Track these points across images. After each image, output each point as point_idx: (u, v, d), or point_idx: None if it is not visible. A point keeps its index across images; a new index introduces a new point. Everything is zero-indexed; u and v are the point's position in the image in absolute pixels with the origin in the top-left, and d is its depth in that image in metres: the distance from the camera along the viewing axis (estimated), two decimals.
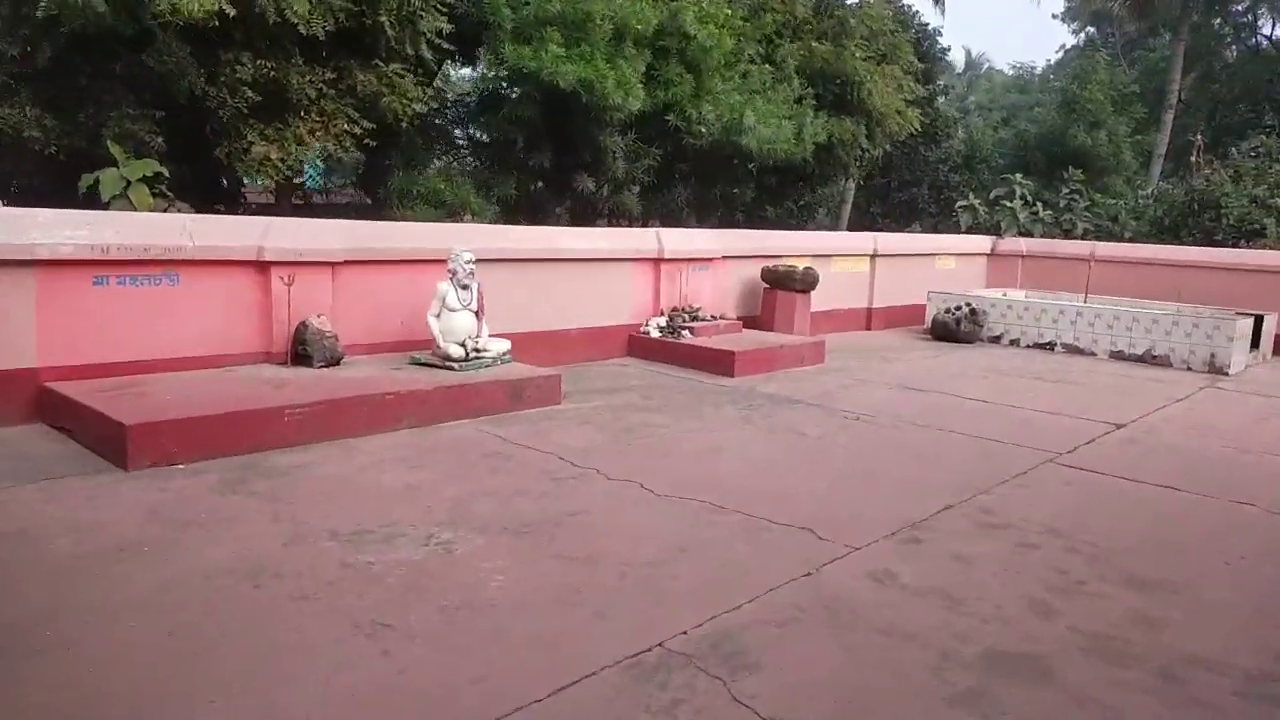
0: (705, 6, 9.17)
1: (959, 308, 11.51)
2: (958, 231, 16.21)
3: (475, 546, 3.73)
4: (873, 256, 12.27)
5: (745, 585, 3.50)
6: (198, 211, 6.48)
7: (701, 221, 13.29)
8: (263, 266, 6.04)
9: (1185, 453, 6.11)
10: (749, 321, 10.23)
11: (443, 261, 6.68)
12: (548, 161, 9.24)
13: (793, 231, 11.14)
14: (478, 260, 7.40)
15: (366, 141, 7.74)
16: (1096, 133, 20.42)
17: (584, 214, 10.11)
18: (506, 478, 4.75)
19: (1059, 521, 4.53)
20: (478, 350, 6.55)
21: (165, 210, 6.83)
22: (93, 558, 3.48)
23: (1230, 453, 6.18)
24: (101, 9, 6.44)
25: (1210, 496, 5.10)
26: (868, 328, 12.39)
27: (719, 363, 8.33)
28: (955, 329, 11.35)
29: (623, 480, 4.81)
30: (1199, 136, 18.57)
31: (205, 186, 8.34)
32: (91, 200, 6.97)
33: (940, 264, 13.57)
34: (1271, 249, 13.53)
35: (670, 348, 8.71)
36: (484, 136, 8.74)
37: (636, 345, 8.96)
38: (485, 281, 7.46)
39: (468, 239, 7.37)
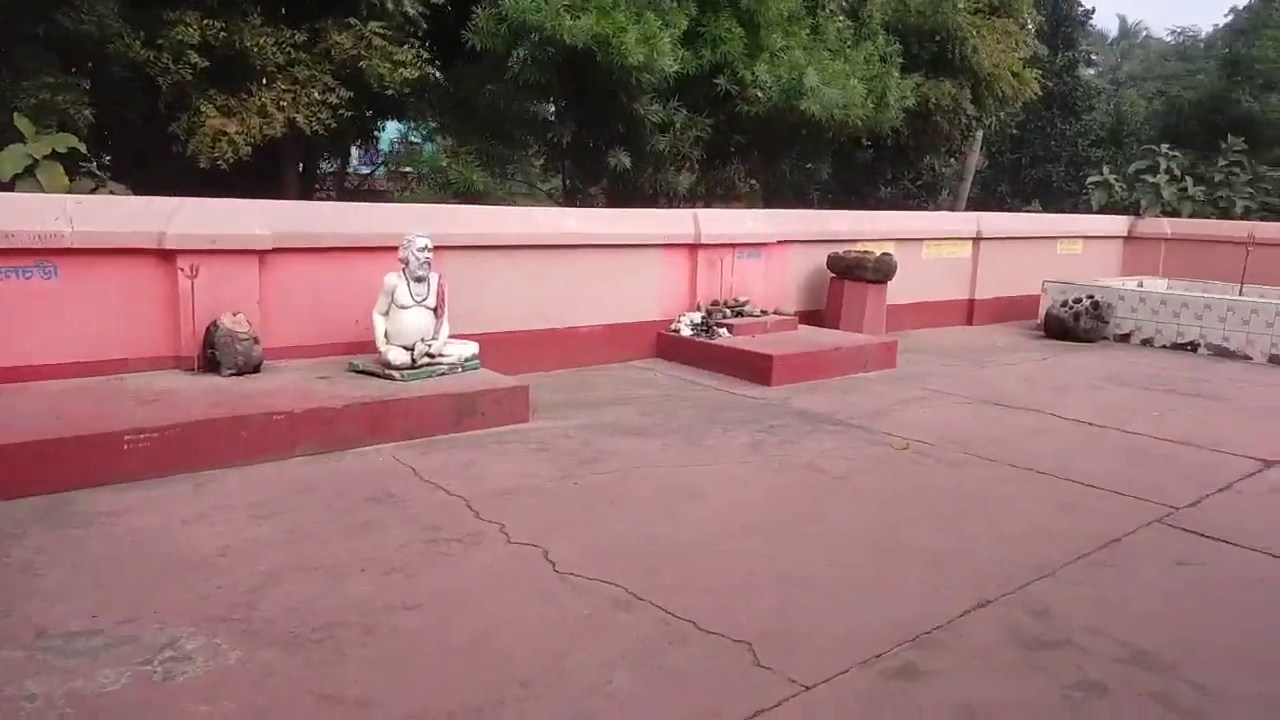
0: None
1: (1079, 300, 9.62)
2: (1090, 212, 14.03)
3: (213, 670, 2.54)
4: (976, 240, 10.48)
5: None
6: (149, 194, 5.58)
7: (771, 203, 11.79)
8: (166, 255, 5.09)
9: None
10: (813, 317, 8.74)
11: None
12: (569, 135, 7.99)
13: (871, 211, 9.48)
14: (465, 247, 6.30)
15: (343, 112, 6.73)
16: (1267, 97, 17.51)
17: (622, 195, 8.82)
18: (370, 538, 3.58)
19: (1152, 638, 2.99)
20: (431, 355, 5.42)
21: (93, 192, 6.03)
22: None
23: None
24: None
25: None
26: (969, 323, 10.62)
27: (754, 368, 6.93)
28: (1073, 325, 9.49)
29: (526, 544, 3.56)
30: None
31: (165, 166, 7.54)
32: None
33: (1063, 248, 11.60)
34: None
35: (702, 349, 7.36)
36: (498, 105, 7.56)
37: (666, 345, 7.65)
38: (471, 271, 6.35)
39: (443, 221, 6.26)
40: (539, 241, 6.79)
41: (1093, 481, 4.65)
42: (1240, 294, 9.92)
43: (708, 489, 4.36)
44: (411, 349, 5.36)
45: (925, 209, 17.85)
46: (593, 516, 3.92)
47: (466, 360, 5.61)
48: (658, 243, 7.52)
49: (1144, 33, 53.18)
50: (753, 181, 10.45)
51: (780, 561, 3.54)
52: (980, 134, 17.65)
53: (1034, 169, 23.89)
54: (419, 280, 5.48)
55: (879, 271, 8.41)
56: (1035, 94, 11.86)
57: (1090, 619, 3.11)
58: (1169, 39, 47.09)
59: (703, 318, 7.69)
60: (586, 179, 8.92)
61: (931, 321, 10.16)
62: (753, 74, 8.16)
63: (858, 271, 8.44)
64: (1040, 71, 13.24)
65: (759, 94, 8.20)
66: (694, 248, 7.77)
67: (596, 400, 6.13)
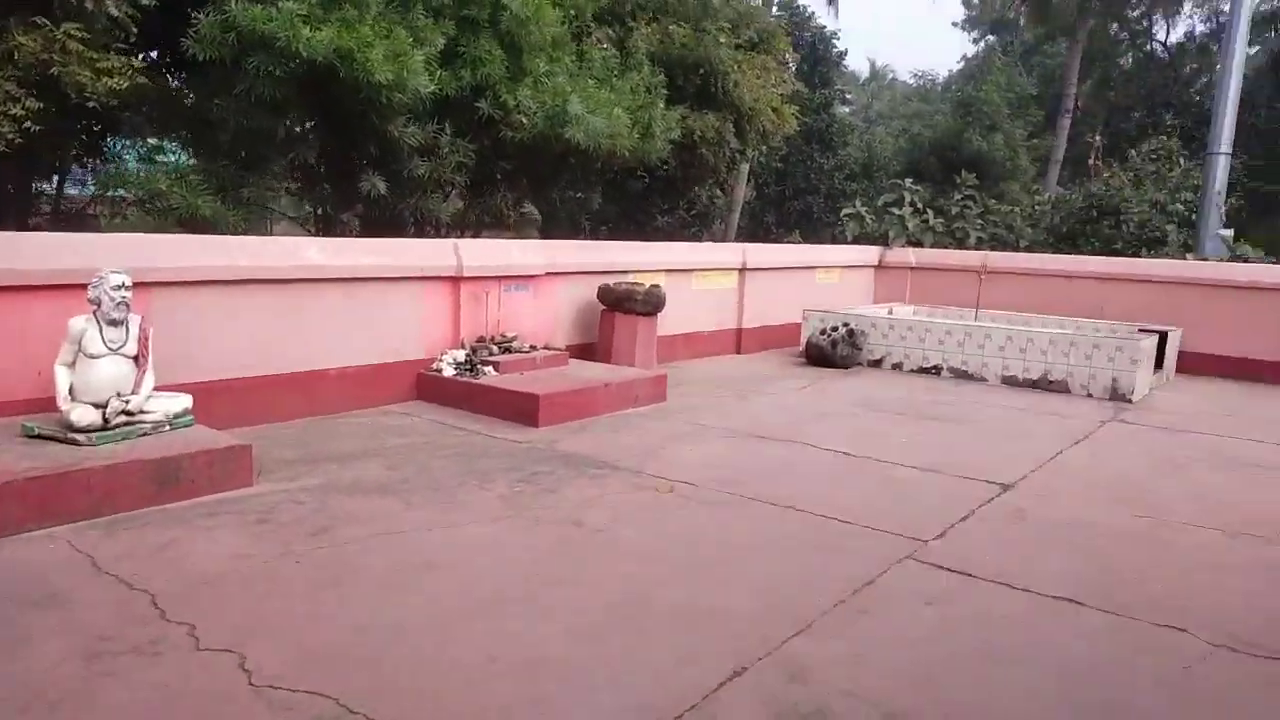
0: None
1: (835, 328, 10.02)
2: (845, 243, 14.85)
3: None
4: (742, 270, 10.71)
5: None
6: None
7: (550, 233, 11.55)
8: None
9: (1089, 531, 4.58)
10: (586, 351, 8.52)
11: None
12: (313, 157, 7.32)
13: (643, 242, 9.45)
14: (177, 283, 5.52)
15: (30, 125, 5.74)
16: (993, 136, 19.44)
17: (380, 223, 8.22)
18: (14, 660, 2.88)
19: (904, 695, 2.88)
20: (129, 413, 4.64)
21: None
22: None
23: (1144, 527, 4.69)
24: None
25: (1125, 616, 3.54)
26: (738, 351, 10.82)
27: (520, 408, 6.57)
28: (831, 353, 9.85)
29: (220, 650, 2.98)
30: (1098, 138, 17.70)
31: None
32: None
33: (821, 278, 12.13)
34: (1174, 257, 12.48)
35: (466, 389, 6.92)
36: (230, 123, 6.76)
37: (428, 387, 7.14)
38: (186, 311, 5.59)
39: (147, 254, 5.46)
40: (274, 275, 6.10)
41: (848, 517, 4.64)
42: (975, 319, 10.72)
43: (453, 557, 3.94)
44: (104, 406, 4.57)
45: (700, 238, 18.31)
46: (311, 605, 3.39)
47: (176, 417, 4.86)
48: (416, 275, 7.01)
49: (891, 75, 58.33)
50: (524, 210, 10.16)
51: (527, 641, 3.18)
52: (746, 166, 18.35)
53: (796, 201, 25.28)
54: (114, 324, 4.69)
55: (649, 303, 8.32)
56: (794, 129, 12.39)
57: (846, 679, 2.97)
58: (912, 81, 51.88)
59: (467, 355, 7.25)
60: (340, 206, 8.24)
61: (703, 351, 10.25)
62: (515, 99, 7.85)
63: (628, 304, 8.31)
64: (799, 108, 13.91)
65: (523, 120, 7.91)
66: (456, 280, 7.32)
67: (340, 454, 5.53)
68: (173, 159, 7.26)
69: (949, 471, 5.64)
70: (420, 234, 8.51)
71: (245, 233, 7.01)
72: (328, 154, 7.66)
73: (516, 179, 9.07)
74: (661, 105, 9.20)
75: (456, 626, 3.26)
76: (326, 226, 8.44)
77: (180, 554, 3.80)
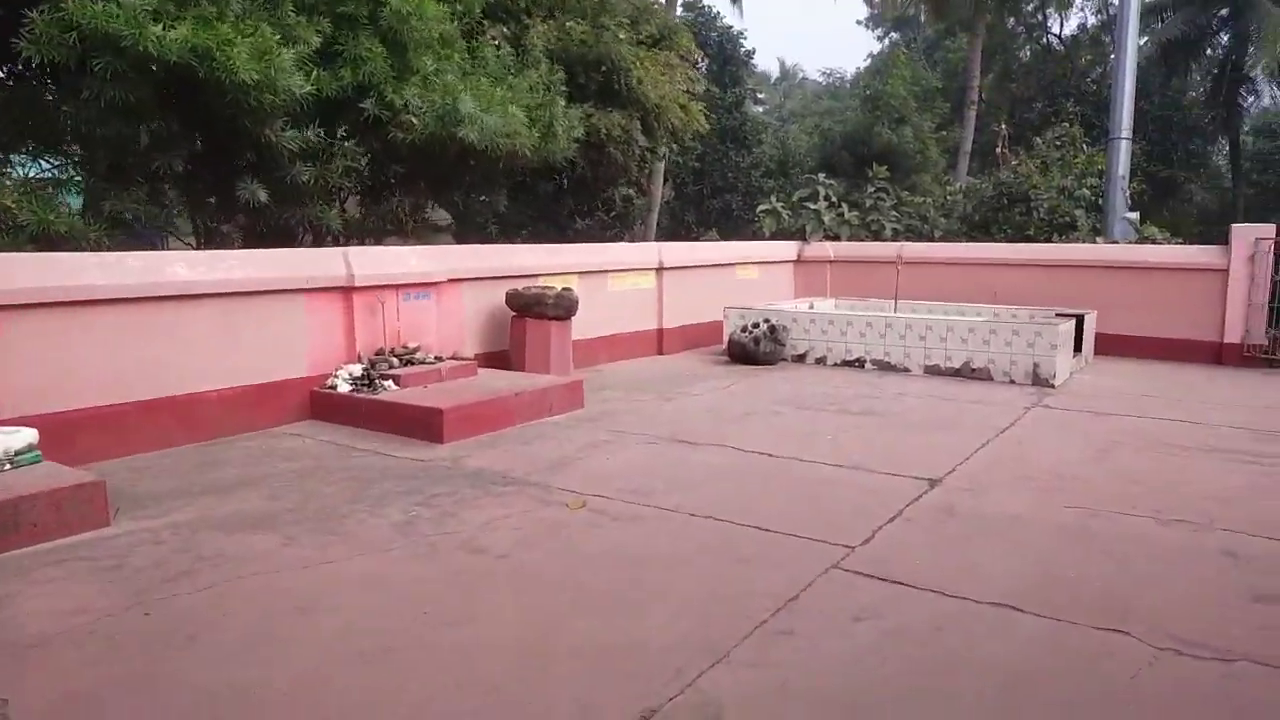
0: None
1: (757, 325, 9.79)
2: (763, 238, 14.69)
3: None
4: (659, 270, 10.40)
5: None
6: None
7: (464, 239, 11.08)
8: None
9: (1021, 527, 4.37)
10: (497, 359, 8.10)
11: None
12: (181, 164, 6.73)
13: (553, 245, 9.04)
14: (18, 306, 4.93)
15: None
16: (902, 129, 19.57)
17: (264, 234, 7.66)
18: None
19: None
20: None
21: None
22: None
23: (1077, 518, 4.49)
24: None
25: (1065, 621, 3.30)
26: (660, 352, 10.51)
27: (423, 424, 6.13)
28: (754, 349, 9.61)
29: None
30: (1003, 127, 17.94)
31: None
32: None
33: (742, 274, 11.91)
34: (1084, 242, 12.62)
35: (364, 406, 6.43)
36: (87, 130, 6.14)
37: (322, 405, 6.64)
38: (31, 336, 5.01)
39: None
40: (136, 294, 5.54)
41: (771, 525, 4.34)
42: (895, 310, 10.62)
43: (333, 599, 3.50)
44: None
45: (622, 239, 17.99)
46: (154, 667, 2.92)
47: (17, 454, 4.31)
48: (301, 287, 6.50)
49: (801, 75, 59.09)
50: (425, 215, 9.66)
51: (409, 696, 2.77)
52: (661, 165, 18.10)
53: (715, 199, 25.19)
54: None
55: (560, 307, 7.94)
56: (704, 127, 12.13)
57: (768, 716, 2.64)
58: (822, 80, 52.57)
59: (364, 370, 6.77)
60: (218, 217, 7.65)
61: (624, 354, 9.91)
62: (403, 98, 7.38)
63: (538, 308, 7.91)
64: (709, 106, 13.69)
65: (413, 120, 7.44)
66: (348, 291, 6.82)
67: (217, 484, 5.01)
68: (20, 172, 6.56)
69: (876, 468, 5.40)
70: (317, 245, 7.97)
71: (124, 249, 6.39)
72: (201, 161, 7.07)
73: (412, 183, 8.58)
74: (562, 103, 8.81)
75: (329, 685, 2.83)
76: (209, 240, 7.83)
77: (8, 614, 3.28)
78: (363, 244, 8.48)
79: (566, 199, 12.08)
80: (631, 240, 19.32)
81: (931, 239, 14.59)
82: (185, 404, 5.83)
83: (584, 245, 9.68)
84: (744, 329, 9.82)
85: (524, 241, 12.13)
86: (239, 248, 7.55)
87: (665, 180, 23.88)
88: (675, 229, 26.15)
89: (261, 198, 7.10)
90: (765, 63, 60.22)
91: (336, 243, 8.16)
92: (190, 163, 6.92)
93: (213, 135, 6.91)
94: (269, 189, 7.21)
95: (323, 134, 7.33)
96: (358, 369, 6.76)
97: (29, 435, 4.44)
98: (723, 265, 11.53)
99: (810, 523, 4.37)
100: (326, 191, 7.68)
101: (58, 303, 5.16)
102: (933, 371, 9.05)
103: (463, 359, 7.53)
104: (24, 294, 4.99)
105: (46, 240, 6.28)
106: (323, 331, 6.70)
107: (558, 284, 8.49)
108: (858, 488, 5.03)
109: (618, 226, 25.15)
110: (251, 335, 6.22)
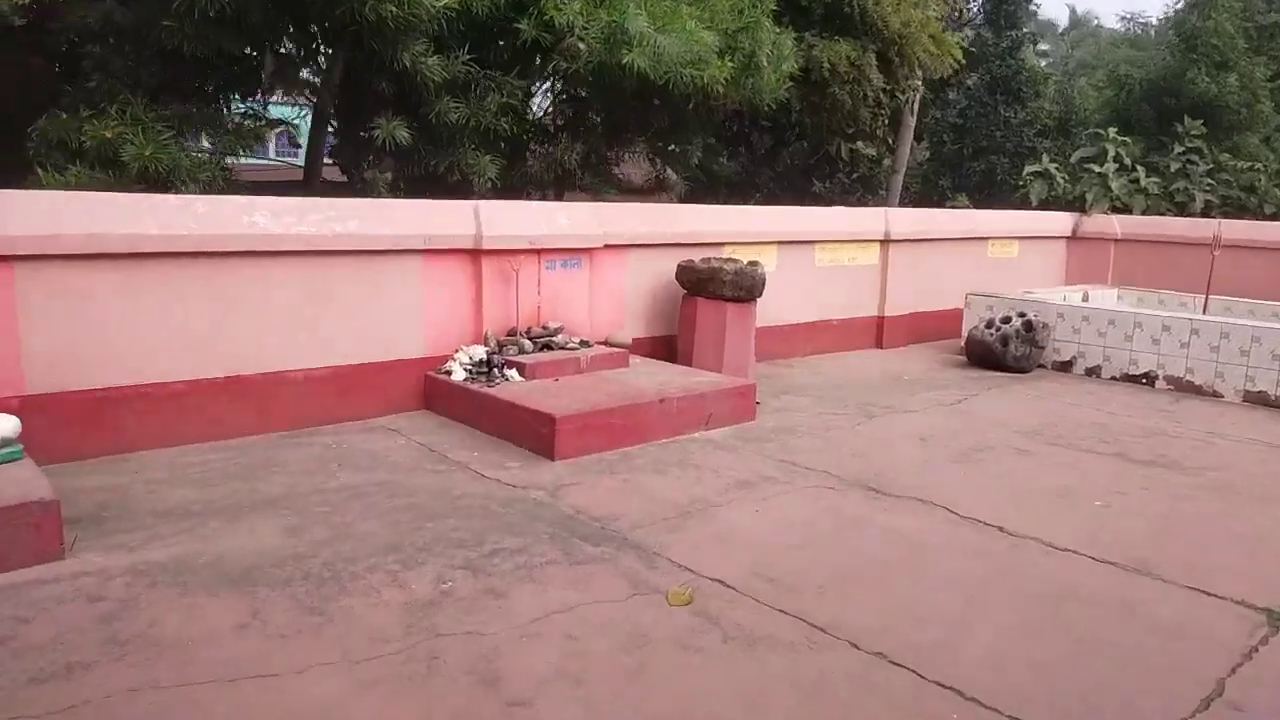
0: None
1: (1008, 319, 7.63)
2: (1029, 208, 12.11)
3: None
4: (885, 242, 8.44)
5: None
6: None
7: (650, 199, 9.64)
8: None
9: None
10: (662, 348, 6.63)
11: None
12: (300, 89, 5.76)
13: (739, 206, 7.38)
14: (65, 256, 4.08)
15: None
16: (1224, 76, 15.67)
17: (416, 185, 6.60)
18: None
19: None
20: None
21: None
22: None
23: None
24: None
25: None
26: (877, 345, 8.59)
27: (533, 433, 4.80)
28: (1000, 351, 7.49)
29: None
30: None
31: None
32: None
33: (995, 251, 9.63)
34: None
35: (475, 401, 5.20)
36: (185, 50, 5.27)
37: (435, 393, 5.50)
38: (78, 292, 4.16)
39: (3, 216, 4.02)
40: (202, 247, 4.57)
41: (981, 689, 2.57)
42: (1205, 310, 8.01)
43: None
44: None
45: (865, 206, 15.89)
46: None
47: None
48: (416, 247, 5.33)
49: (1095, 21, 52.05)
50: (617, 171, 8.27)
51: None
52: (911, 120, 15.68)
53: (976, 161, 22.06)
54: None
55: (739, 285, 6.30)
56: (957, 60, 9.80)
57: None
58: (1120, 27, 45.87)
59: (488, 354, 5.53)
60: (356, 159, 6.66)
61: (829, 346, 8.12)
62: (565, 17, 5.97)
63: (713, 286, 6.32)
64: (977, 52, 11.25)
65: (579, 45, 6.02)
66: (476, 254, 5.60)
67: (244, 501, 3.94)
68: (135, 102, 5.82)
69: (1173, 575, 3.41)
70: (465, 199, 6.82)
71: (223, 193, 5.52)
72: (338, 91, 6.06)
73: (584, 125, 7.18)
74: (770, 26, 7.00)
75: None
76: (354, 188, 6.89)
77: None
78: (528, 198, 7.24)
79: (782, 153, 10.22)
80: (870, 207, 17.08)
81: (1260, 216, 11.33)
82: (261, 386, 4.85)
83: (782, 208, 7.92)
84: (989, 324, 7.69)
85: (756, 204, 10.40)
86: (381, 197, 6.52)
87: (921, 139, 21.22)
88: (927, 196, 23.35)
89: (403, 137, 6.00)
90: (1052, 9, 53.52)
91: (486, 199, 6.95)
92: (317, 91, 5.92)
93: (349, 61, 5.86)
94: (412, 128, 6.09)
95: (473, 64, 6.09)
96: (480, 351, 5.54)
97: (7, 426, 3.52)
98: (970, 239, 9.31)
99: (1058, 694, 2.55)
100: (480, 134, 6.45)
101: (96, 254, 4.27)
102: (1257, 401, 6.54)
103: (616, 345, 6.13)
104: (49, 242, 4.11)
105: (158, 180, 5.51)
106: (444, 302, 5.53)
107: (746, 255, 6.85)
108: (1142, 618, 3.09)
109: (860, 190, 22.77)
110: (351, 303, 5.14)
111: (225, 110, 6.15)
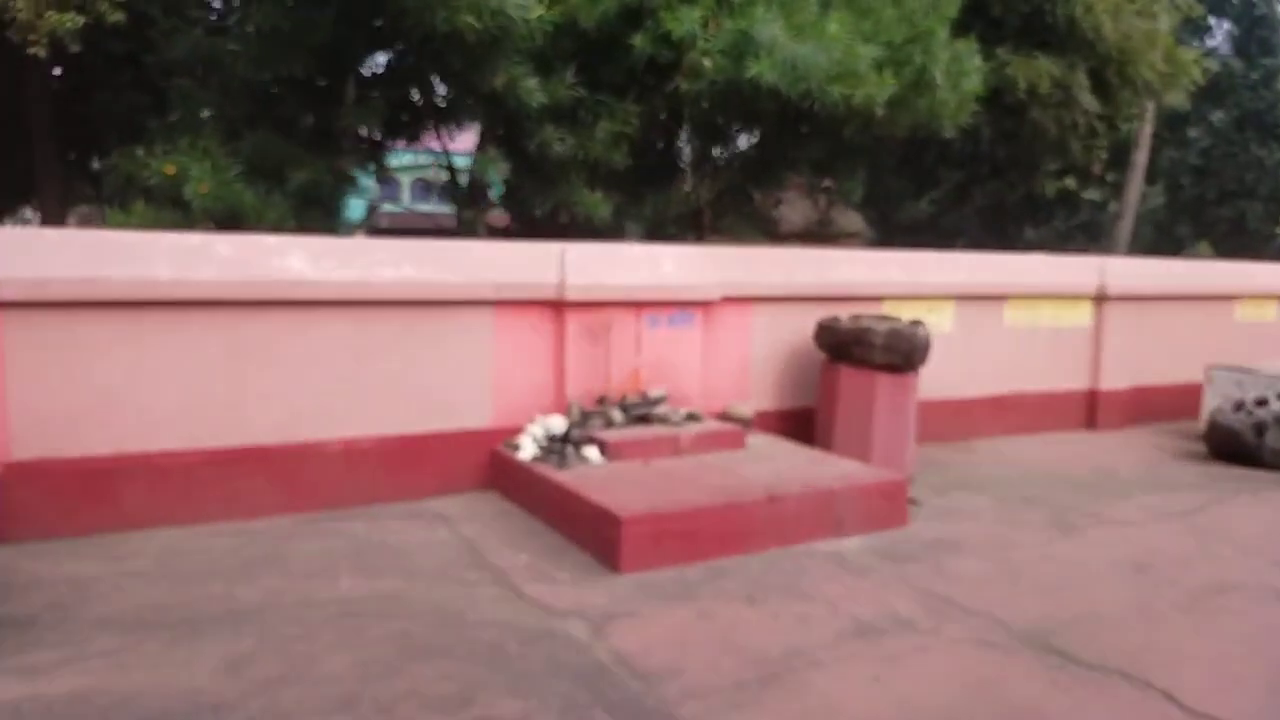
0: None
1: (1263, 401, 5.87)
2: None
3: None
4: (1099, 299, 6.82)
5: None
6: None
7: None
8: None
9: None
10: (798, 422, 5.44)
11: None
12: (379, 127, 5.10)
13: (899, 252, 6.05)
14: (57, 304, 3.55)
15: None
16: None
17: (532, 229, 5.84)
18: None
19: None
20: None
21: None
22: None
23: None
24: None
25: None
26: (1089, 426, 6.93)
27: (594, 535, 3.77)
28: (1254, 442, 5.74)
29: None
30: None
31: None
32: None
33: (1247, 313, 7.71)
34: None
35: (538, 487, 4.24)
36: (256, 75, 4.77)
37: (500, 472, 4.59)
38: (71, 343, 3.61)
39: None
40: (224, 295, 3.91)
41: None
42: None
43: None
44: None
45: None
46: None
47: None
48: (483, 297, 4.49)
49: None
50: (775, 213, 7.18)
51: None
52: (1141, 157, 13.54)
53: (1222, 206, 19.17)
54: None
55: (895, 351, 5.01)
56: (1195, 83, 7.96)
57: None
58: None
59: (567, 428, 4.57)
60: (472, 202, 5.97)
61: (1022, 426, 6.58)
62: (685, 27, 5.00)
63: (859, 351, 5.07)
64: (1227, 84, 9.29)
65: (703, 62, 5.05)
66: (559, 306, 4.68)
67: (202, 615, 3.14)
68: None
69: None
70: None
71: (289, 232, 4.94)
72: (407, 114, 5.40)
73: (713, 158, 6.16)
74: (944, 36, 5.72)
75: None
76: (468, 231, 6.22)
77: None
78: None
79: (974, 191, 8.69)
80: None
81: None
82: (289, 458, 4.12)
83: (961, 255, 6.52)
84: (1239, 405, 5.94)
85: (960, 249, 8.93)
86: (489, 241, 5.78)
87: (1154, 182, 18.68)
88: (1161, 245, 20.58)
89: (495, 173, 5.24)
90: None
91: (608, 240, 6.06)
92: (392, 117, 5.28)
93: (427, 78, 5.19)
94: (512, 159, 5.32)
95: (580, 86, 5.25)
96: (559, 423, 4.58)
97: None
98: (1213, 298, 7.45)
99: None
100: (588, 168, 5.59)
101: (97, 302, 3.67)
102: None
103: (736, 418, 5.02)
104: (42, 287, 3.56)
105: (228, 219, 5.01)
106: (517, 364, 4.64)
107: (912, 312, 5.56)
108: None
109: (1080, 238, 20.39)
110: (404, 363, 4.35)
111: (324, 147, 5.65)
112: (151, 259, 3.78)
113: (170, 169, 4.73)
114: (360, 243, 4.29)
